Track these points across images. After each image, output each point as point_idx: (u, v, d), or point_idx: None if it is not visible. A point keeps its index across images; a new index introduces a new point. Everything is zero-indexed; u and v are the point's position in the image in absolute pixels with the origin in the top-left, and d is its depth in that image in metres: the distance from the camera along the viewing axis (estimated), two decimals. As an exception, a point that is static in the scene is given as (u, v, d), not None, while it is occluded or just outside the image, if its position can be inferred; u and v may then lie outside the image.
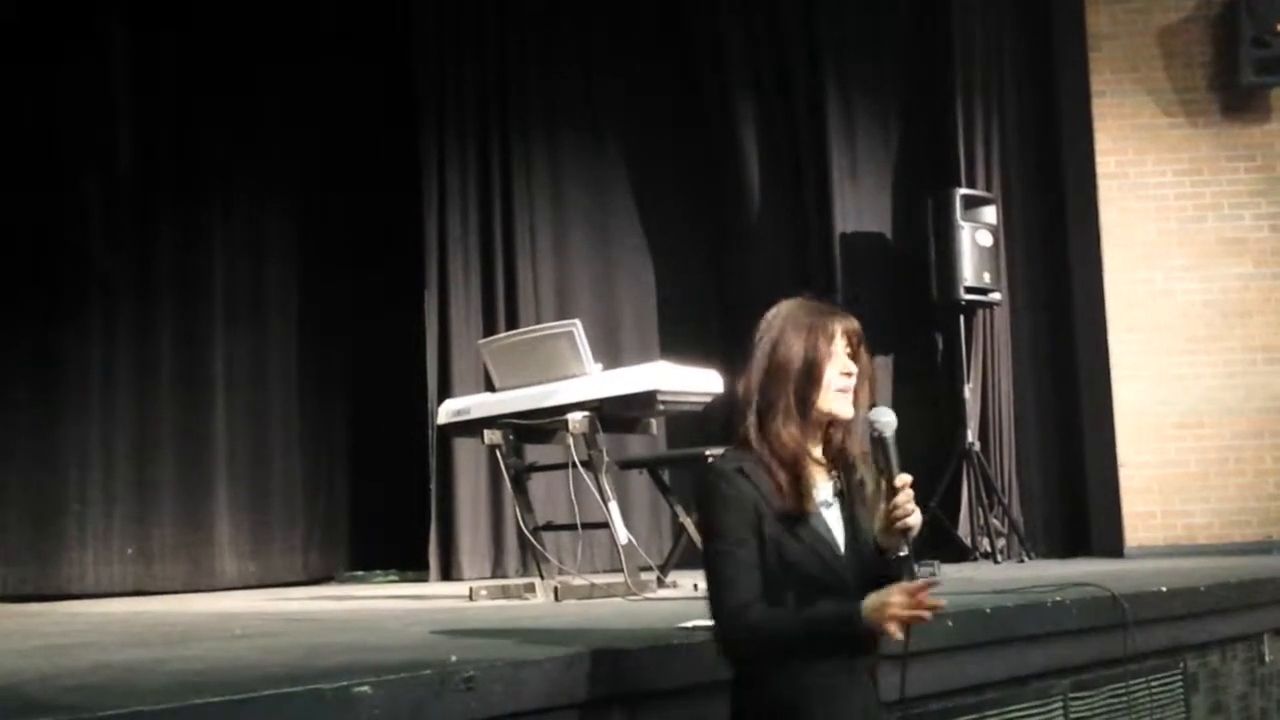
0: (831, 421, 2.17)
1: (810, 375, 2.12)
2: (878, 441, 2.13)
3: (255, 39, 7.02)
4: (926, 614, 1.98)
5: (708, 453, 4.31)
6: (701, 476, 2.21)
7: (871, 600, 2.00)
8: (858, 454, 2.19)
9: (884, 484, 2.11)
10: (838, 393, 2.14)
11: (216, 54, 6.91)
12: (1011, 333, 6.95)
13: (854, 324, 2.20)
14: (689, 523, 4.99)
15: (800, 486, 2.09)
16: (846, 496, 2.17)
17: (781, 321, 2.17)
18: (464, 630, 3.35)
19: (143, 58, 6.72)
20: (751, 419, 2.13)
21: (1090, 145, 6.87)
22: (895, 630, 1.98)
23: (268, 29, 7.04)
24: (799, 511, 2.09)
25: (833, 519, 2.15)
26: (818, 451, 2.18)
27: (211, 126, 6.93)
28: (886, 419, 2.14)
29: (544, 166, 7.28)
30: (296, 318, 7.23)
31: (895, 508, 2.06)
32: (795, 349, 2.13)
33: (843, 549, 2.13)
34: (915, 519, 2.07)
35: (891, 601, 1.98)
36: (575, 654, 2.51)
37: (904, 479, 2.08)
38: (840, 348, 2.16)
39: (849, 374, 2.16)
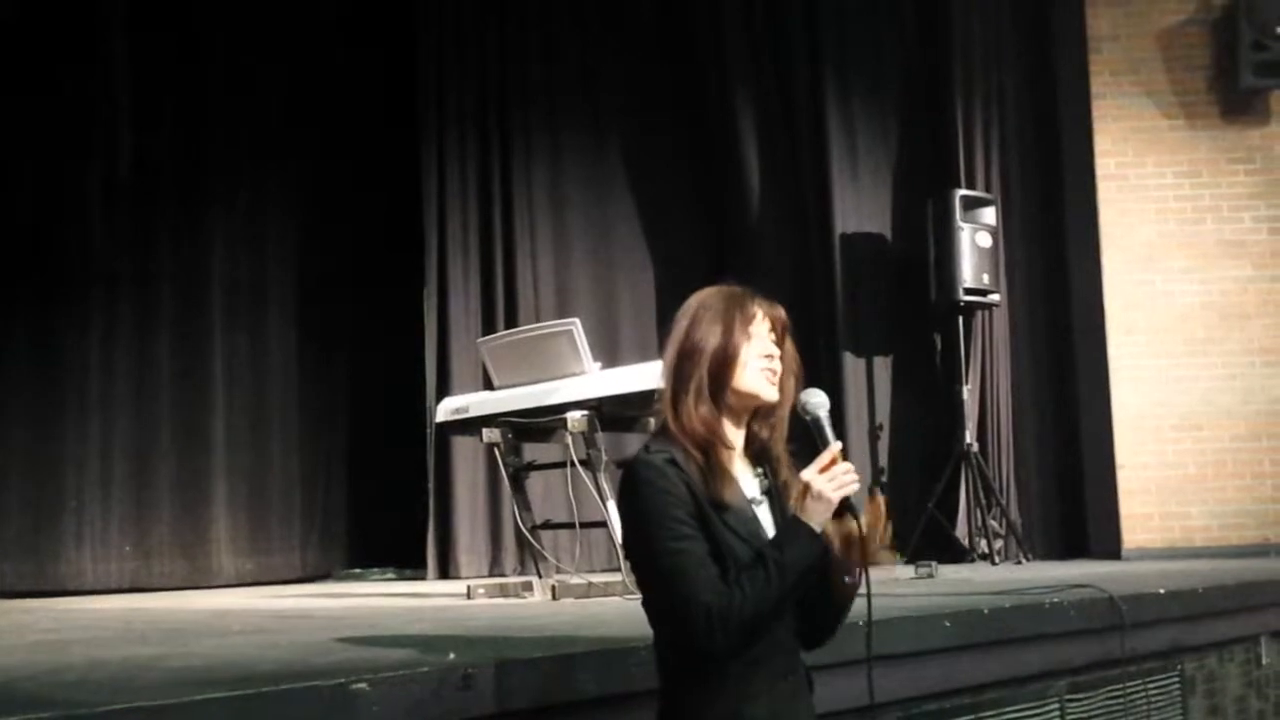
0: (756, 413, 2.09)
1: (725, 354, 2.03)
2: (811, 423, 2.06)
3: (256, 38, 7.02)
4: (851, 480, 1.96)
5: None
6: (629, 469, 2.01)
7: (802, 506, 1.96)
8: (783, 455, 2.11)
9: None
10: (758, 371, 2.05)
11: (217, 52, 6.92)
12: (1010, 334, 6.96)
13: (779, 311, 2.11)
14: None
15: (713, 470, 2.00)
16: (775, 495, 2.11)
17: (698, 304, 2.09)
18: (461, 628, 3.36)
19: (143, 55, 6.72)
20: (666, 402, 2.05)
21: (1090, 147, 6.88)
22: (835, 497, 1.95)
23: (268, 28, 7.04)
24: (719, 498, 1.99)
25: (764, 517, 2.08)
26: (740, 443, 2.09)
27: (211, 125, 6.94)
28: (816, 399, 2.08)
29: (544, 165, 7.28)
30: (296, 316, 7.24)
31: (833, 477, 1.97)
32: (711, 329, 2.05)
33: None
34: (853, 486, 1.99)
35: (812, 483, 1.96)
36: (573, 653, 2.52)
37: (836, 445, 2.01)
38: (762, 330, 2.07)
39: (770, 355, 2.07)
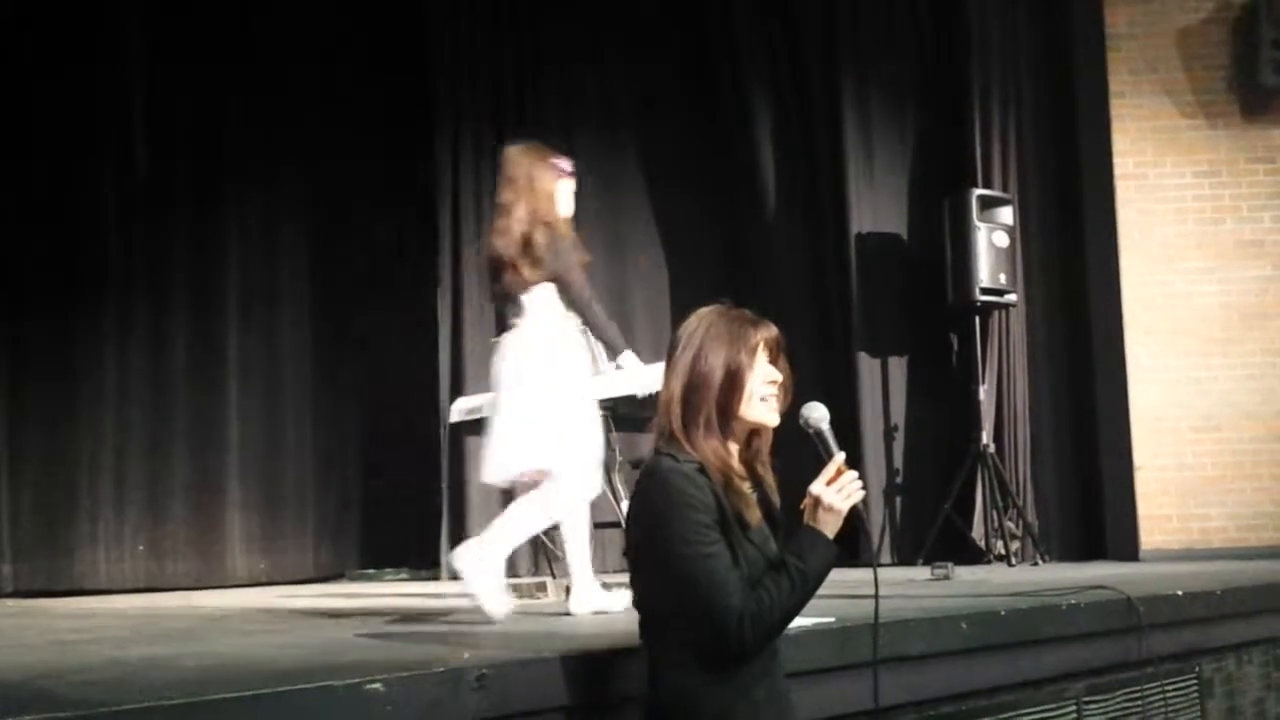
0: (754, 430, 2.18)
1: (732, 385, 2.12)
2: (814, 436, 2.15)
3: (269, 43, 7.04)
4: (857, 488, 2.07)
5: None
6: (656, 472, 2.09)
7: (815, 517, 2.08)
8: (768, 461, 2.21)
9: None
10: (761, 401, 2.14)
11: (230, 56, 6.94)
12: (1027, 334, 6.91)
13: (774, 332, 2.19)
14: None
15: (736, 493, 2.10)
16: (764, 504, 2.20)
17: (702, 332, 2.15)
18: (475, 629, 3.35)
19: (157, 60, 6.75)
20: (677, 428, 2.12)
21: (1108, 146, 6.83)
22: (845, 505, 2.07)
23: (281, 33, 7.06)
24: (743, 518, 2.10)
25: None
26: (735, 460, 2.17)
27: (226, 128, 6.97)
28: (817, 414, 2.16)
29: (558, 165, 7.27)
30: (309, 317, 7.25)
31: (841, 488, 2.08)
32: (715, 361, 2.12)
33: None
34: (859, 494, 2.10)
35: (822, 496, 2.07)
36: (586, 653, 2.51)
37: (840, 456, 2.11)
38: (762, 357, 2.16)
39: (774, 382, 2.15)
